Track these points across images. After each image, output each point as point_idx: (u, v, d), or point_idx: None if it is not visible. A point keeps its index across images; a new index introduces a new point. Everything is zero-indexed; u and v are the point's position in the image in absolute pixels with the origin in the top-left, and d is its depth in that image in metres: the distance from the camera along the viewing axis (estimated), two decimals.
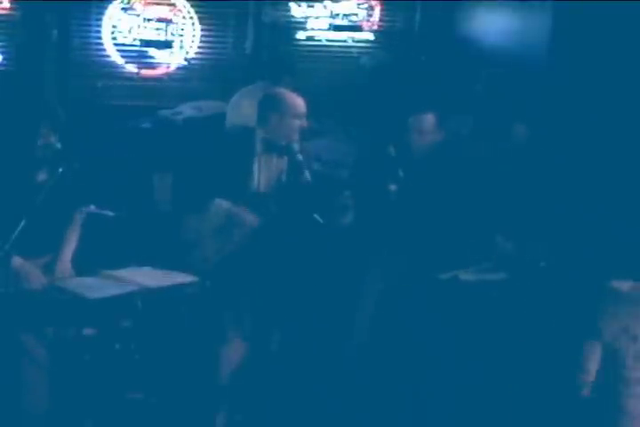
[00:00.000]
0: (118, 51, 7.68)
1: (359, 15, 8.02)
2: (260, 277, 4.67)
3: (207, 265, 4.65)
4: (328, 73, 7.92)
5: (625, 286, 2.96)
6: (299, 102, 4.89)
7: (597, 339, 2.95)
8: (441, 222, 5.00)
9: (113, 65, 7.70)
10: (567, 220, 4.70)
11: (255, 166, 4.85)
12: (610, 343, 2.93)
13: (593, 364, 2.99)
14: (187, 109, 7.30)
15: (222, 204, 4.75)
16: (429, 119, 5.19)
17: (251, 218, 4.73)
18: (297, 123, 4.85)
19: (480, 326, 4.50)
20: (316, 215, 4.60)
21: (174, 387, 4.59)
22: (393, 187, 5.00)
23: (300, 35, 7.97)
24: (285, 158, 4.90)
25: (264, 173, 4.87)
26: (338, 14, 8.00)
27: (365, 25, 8.04)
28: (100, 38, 7.62)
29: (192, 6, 7.75)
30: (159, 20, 7.72)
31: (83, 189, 4.64)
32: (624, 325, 2.91)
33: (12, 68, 7.48)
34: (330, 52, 8.04)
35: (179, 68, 7.83)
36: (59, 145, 4.38)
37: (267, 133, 4.86)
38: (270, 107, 4.89)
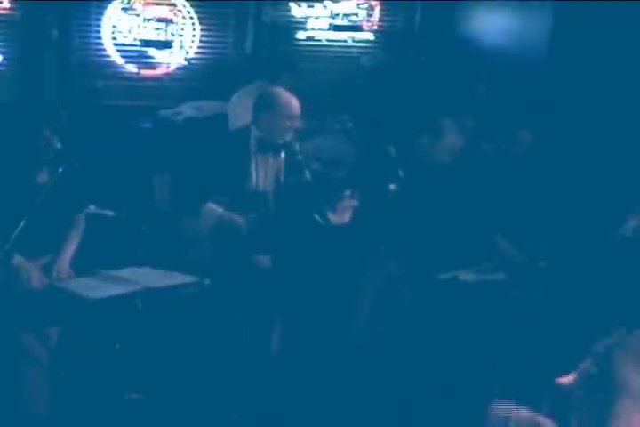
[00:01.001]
0: (118, 51, 7.67)
1: (359, 15, 8.02)
2: (259, 277, 4.67)
3: (205, 265, 4.65)
4: (328, 73, 7.91)
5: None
6: (291, 103, 4.85)
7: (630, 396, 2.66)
8: (441, 222, 5.00)
9: (113, 65, 7.69)
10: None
11: (251, 166, 4.84)
12: None
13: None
14: (187, 109, 7.30)
15: (214, 209, 4.74)
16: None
17: (241, 224, 4.73)
18: (287, 123, 4.81)
19: (480, 326, 4.50)
20: (316, 215, 4.60)
21: (174, 387, 4.58)
22: (393, 187, 5.00)
23: (300, 35, 7.96)
24: (281, 157, 4.88)
25: (261, 172, 4.86)
26: (338, 14, 7.99)
27: (365, 25, 8.04)
28: (100, 38, 7.61)
29: (192, 6, 7.74)
30: (159, 20, 7.71)
31: (83, 189, 4.64)
32: None
33: (12, 68, 7.48)
34: (330, 52, 8.03)
35: (179, 68, 7.82)
36: (59, 145, 4.38)
37: (260, 132, 4.85)
38: (262, 106, 4.89)
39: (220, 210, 4.74)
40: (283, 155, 4.89)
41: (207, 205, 4.73)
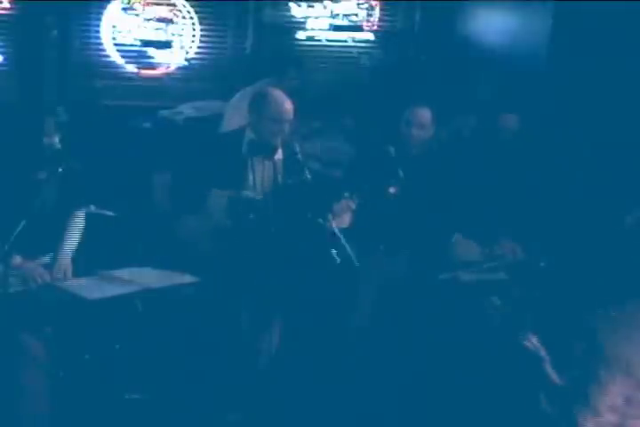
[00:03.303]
0: (118, 51, 7.67)
1: (359, 15, 8.02)
2: (259, 278, 4.67)
3: (204, 265, 4.63)
4: (328, 73, 7.91)
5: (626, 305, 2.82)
6: (282, 106, 4.77)
7: (625, 370, 2.76)
8: (441, 222, 5.01)
9: (113, 65, 7.70)
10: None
11: (247, 167, 4.81)
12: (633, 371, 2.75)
13: (618, 399, 2.77)
14: (187, 109, 7.30)
15: (221, 192, 4.71)
16: (427, 113, 5.19)
17: (254, 197, 4.68)
18: (277, 127, 4.76)
19: (480, 326, 4.49)
20: (317, 217, 4.58)
21: (174, 387, 4.58)
22: (393, 187, 4.99)
23: (300, 35, 7.97)
24: (275, 159, 4.85)
25: (257, 174, 4.83)
26: (338, 14, 7.99)
27: (365, 25, 8.04)
28: (99, 38, 7.62)
29: (192, 6, 7.74)
30: (159, 20, 7.72)
31: (83, 189, 4.64)
32: None
33: (12, 68, 7.48)
34: (330, 52, 8.03)
35: (179, 68, 7.83)
36: (59, 145, 4.39)
37: (253, 134, 4.83)
38: (254, 107, 4.86)
39: (227, 191, 4.70)
40: (278, 156, 4.86)
41: (213, 190, 4.69)
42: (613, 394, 2.79)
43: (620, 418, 2.80)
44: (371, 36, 8.05)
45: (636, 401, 2.80)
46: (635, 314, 2.85)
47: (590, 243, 4.21)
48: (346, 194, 4.74)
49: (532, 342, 3.14)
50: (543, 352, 3.07)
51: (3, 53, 7.45)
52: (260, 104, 4.83)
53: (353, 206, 4.79)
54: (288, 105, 4.79)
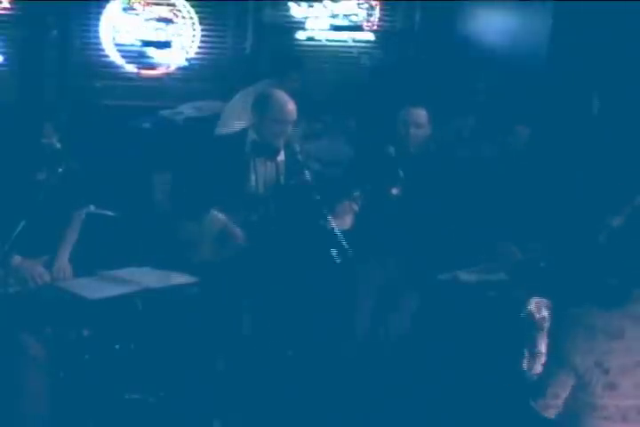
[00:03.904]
0: (118, 51, 7.68)
1: (359, 15, 8.02)
2: (259, 278, 4.67)
3: (205, 266, 4.64)
4: (328, 73, 7.91)
5: (599, 318, 3.09)
6: (286, 107, 4.76)
7: (571, 371, 3.09)
8: (441, 222, 5.01)
9: (113, 65, 7.70)
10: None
11: (249, 168, 4.81)
12: (582, 375, 3.08)
13: (563, 391, 3.13)
14: (187, 109, 7.30)
15: (219, 217, 4.76)
16: (423, 112, 5.19)
17: (242, 235, 4.74)
18: (280, 128, 4.75)
19: (480, 326, 4.50)
20: (319, 219, 4.58)
21: (173, 387, 4.58)
22: (393, 187, 4.99)
23: (300, 35, 7.97)
24: (278, 160, 4.85)
25: (260, 174, 4.83)
26: (338, 14, 7.99)
27: (365, 25, 8.04)
28: (99, 38, 7.62)
29: (192, 6, 7.75)
30: (159, 20, 7.72)
31: (83, 189, 4.64)
32: (598, 360, 3.05)
33: (12, 68, 7.48)
34: (330, 52, 8.03)
35: (179, 68, 7.83)
36: (59, 145, 4.39)
37: (255, 135, 4.83)
38: (256, 108, 4.85)
39: (223, 218, 4.74)
40: (280, 157, 4.86)
41: (211, 212, 4.72)
42: (559, 386, 3.12)
43: (563, 403, 3.14)
44: (371, 36, 8.05)
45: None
46: (586, 314, 3.10)
47: (575, 242, 4.31)
48: (350, 195, 4.74)
49: (539, 308, 3.47)
50: (544, 321, 3.39)
51: (3, 53, 7.46)
52: (262, 105, 4.82)
53: (356, 208, 4.79)
54: (291, 106, 4.79)
